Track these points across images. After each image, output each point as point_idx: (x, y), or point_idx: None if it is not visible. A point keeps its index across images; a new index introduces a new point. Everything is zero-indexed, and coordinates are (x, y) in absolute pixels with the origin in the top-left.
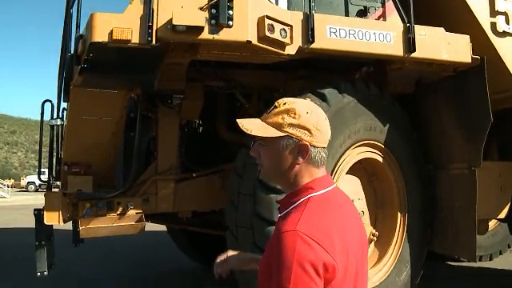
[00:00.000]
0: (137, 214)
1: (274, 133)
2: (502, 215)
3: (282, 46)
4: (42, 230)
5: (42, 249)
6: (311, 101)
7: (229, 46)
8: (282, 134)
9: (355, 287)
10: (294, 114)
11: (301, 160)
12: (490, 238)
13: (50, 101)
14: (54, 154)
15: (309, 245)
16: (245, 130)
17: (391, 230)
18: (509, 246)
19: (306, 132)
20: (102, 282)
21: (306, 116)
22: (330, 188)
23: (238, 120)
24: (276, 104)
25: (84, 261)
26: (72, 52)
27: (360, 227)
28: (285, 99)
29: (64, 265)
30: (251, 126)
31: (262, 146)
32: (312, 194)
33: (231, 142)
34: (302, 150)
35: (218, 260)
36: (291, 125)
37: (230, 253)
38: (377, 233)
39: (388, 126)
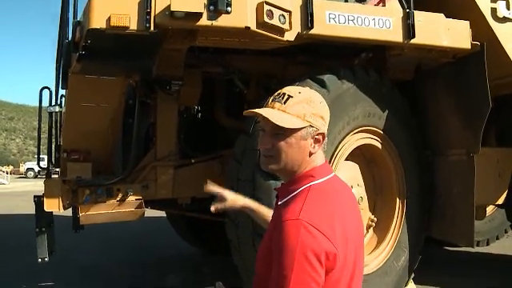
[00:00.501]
0: (136, 200)
1: (299, 123)
2: (500, 201)
3: (281, 32)
4: (43, 217)
5: (43, 235)
6: (309, 87)
7: (227, 32)
8: (306, 124)
9: (354, 274)
10: (313, 103)
11: (316, 149)
12: (488, 224)
13: (48, 88)
14: (53, 140)
15: (312, 234)
16: (276, 122)
17: (390, 215)
18: (505, 232)
19: (322, 121)
20: (102, 268)
21: (321, 105)
22: (329, 176)
23: (260, 111)
24: (288, 93)
25: (84, 247)
26: (70, 39)
27: (357, 215)
28: (295, 88)
29: (64, 251)
30: (276, 117)
31: (278, 136)
32: (313, 183)
33: (230, 128)
34: (319, 138)
35: (218, 196)
36: (312, 114)
37: (227, 192)
38: (375, 218)
39: (387, 112)
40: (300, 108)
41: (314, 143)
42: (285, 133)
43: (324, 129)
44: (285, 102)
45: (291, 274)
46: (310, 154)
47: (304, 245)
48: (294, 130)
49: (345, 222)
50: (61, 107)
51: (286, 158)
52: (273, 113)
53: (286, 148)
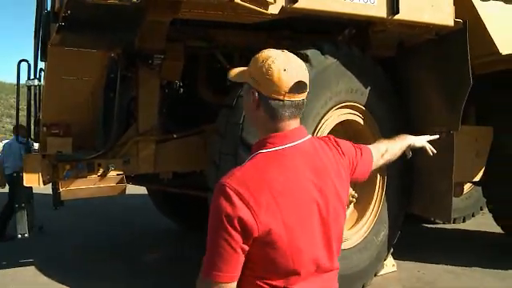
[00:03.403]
0: (117, 175)
1: (239, 78)
2: (477, 178)
3: (265, 5)
4: (22, 193)
5: (22, 211)
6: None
7: (211, 5)
8: (242, 80)
9: (301, 247)
10: (255, 62)
11: (254, 107)
12: (465, 201)
13: (27, 60)
14: (32, 115)
15: (230, 198)
16: (228, 74)
17: (370, 191)
18: (481, 209)
19: (256, 79)
20: (82, 243)
21: (260, 64)
22: (289, 144)
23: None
24: None
25: (63, 223)
26: (49, 9)
27: (323, 189)
28: (267, 50)
29: (43, 226)
30: (236, 71)
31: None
32: (264, 150)
33: (212, 103)
34: (255, 98)
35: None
36: (249, 71)
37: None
38: (356, 194)
39: (369, 88)
40: (249, 66)
41: (253, 102)
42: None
43: (257, 87)
44: None
45: (209, 236)
46: (251, 113)
47: (221, 209)
48: (243, 86)
49: (293, 195)
50: (40, 81)
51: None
52: (239, 69)
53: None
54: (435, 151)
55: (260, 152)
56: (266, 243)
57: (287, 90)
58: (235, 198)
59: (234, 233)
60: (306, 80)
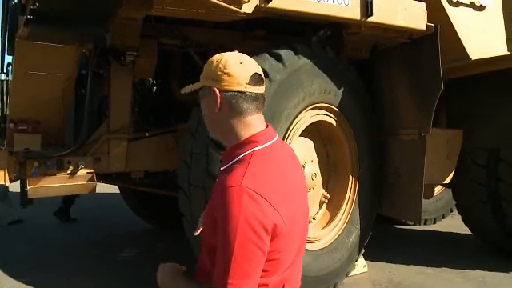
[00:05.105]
0: (88, 173)
1: (195, 86)
2: (447, 181)
3: (239, 3)
4: None
5: None
6: (265, 60)
7: (183, 2)
8: (199, 86)
9: (303, 239)
10: (209, 64)
11: (216, 107)
12: (435, 203)
13: None
14: None
15: (255, 201)
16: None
17: (342, 192)
18: (451, 211)
19: (214, 77)
20: (54, 243)
21: (215, 64)
22: (272, 141)
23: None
24: None
25: (35, 222)
26: (16, 0)
27: (302, 178)
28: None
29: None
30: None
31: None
32: (256, 148)
33: (185, 102)
34: (215, 97)
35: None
36: (204, 76)
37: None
38: (328, 195)
39: (342, 89)
40: (203, 71)
41: (214, 103)
42: (200, 96)
43: (217, 85)
44: None
45: (235, 242)
46: (214, 114)
47: (247, 212)
48: (201, 93)
49: (289, 187)
50: (7, 75)
51: (205, 119)
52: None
53: (202, 111)
54: None
55: (256, 149)
56: (280, 239)
57: (247, 80)
58: (260, 200)
59: (264, 235)
60: (262, 74)
